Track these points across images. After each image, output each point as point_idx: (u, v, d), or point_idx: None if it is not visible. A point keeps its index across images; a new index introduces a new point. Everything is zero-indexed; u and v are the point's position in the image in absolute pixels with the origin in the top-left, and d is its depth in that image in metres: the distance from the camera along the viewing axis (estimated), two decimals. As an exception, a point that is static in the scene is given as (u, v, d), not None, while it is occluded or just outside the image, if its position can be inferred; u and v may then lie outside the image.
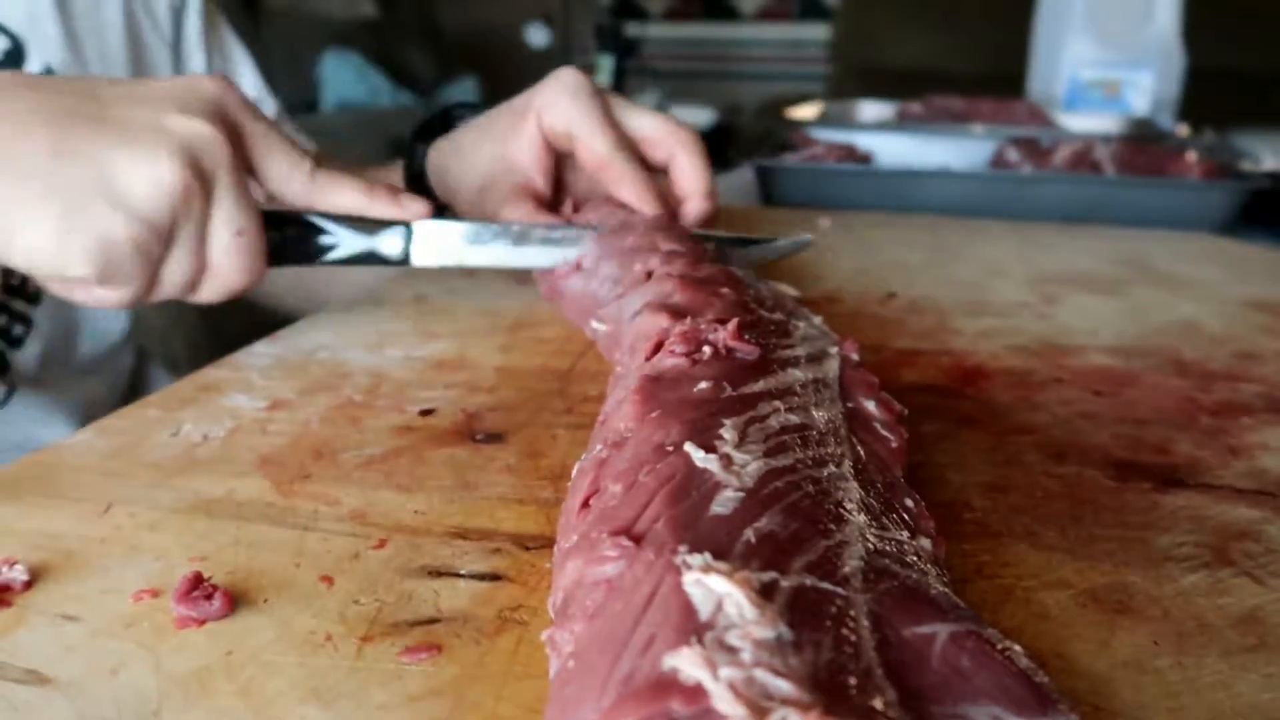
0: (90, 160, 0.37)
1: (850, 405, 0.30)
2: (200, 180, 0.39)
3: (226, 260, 0.41)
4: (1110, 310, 0.56)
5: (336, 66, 2.78)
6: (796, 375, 0.30)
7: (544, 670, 0.23)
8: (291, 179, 0.44)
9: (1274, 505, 0.31)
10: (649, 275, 0.42)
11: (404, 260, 0.48)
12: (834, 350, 0.34)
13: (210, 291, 0.42)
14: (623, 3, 3.86)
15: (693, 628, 0.17)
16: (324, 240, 0.46)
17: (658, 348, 0.31)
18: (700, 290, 0.38)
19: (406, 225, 0.47)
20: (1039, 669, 0.19)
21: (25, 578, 0.26)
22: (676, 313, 0.35)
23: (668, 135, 0.54)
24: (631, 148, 0.53)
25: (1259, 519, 0.31)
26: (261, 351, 0.47)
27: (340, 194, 0.45)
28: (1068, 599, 0.26)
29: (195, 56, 0.67)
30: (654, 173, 0.54)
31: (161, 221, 0.38)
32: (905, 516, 0.25)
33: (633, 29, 3.81)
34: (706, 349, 0.30)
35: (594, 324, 0.44)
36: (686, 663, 0.16)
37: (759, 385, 0.29)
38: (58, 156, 0.37)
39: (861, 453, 0.27)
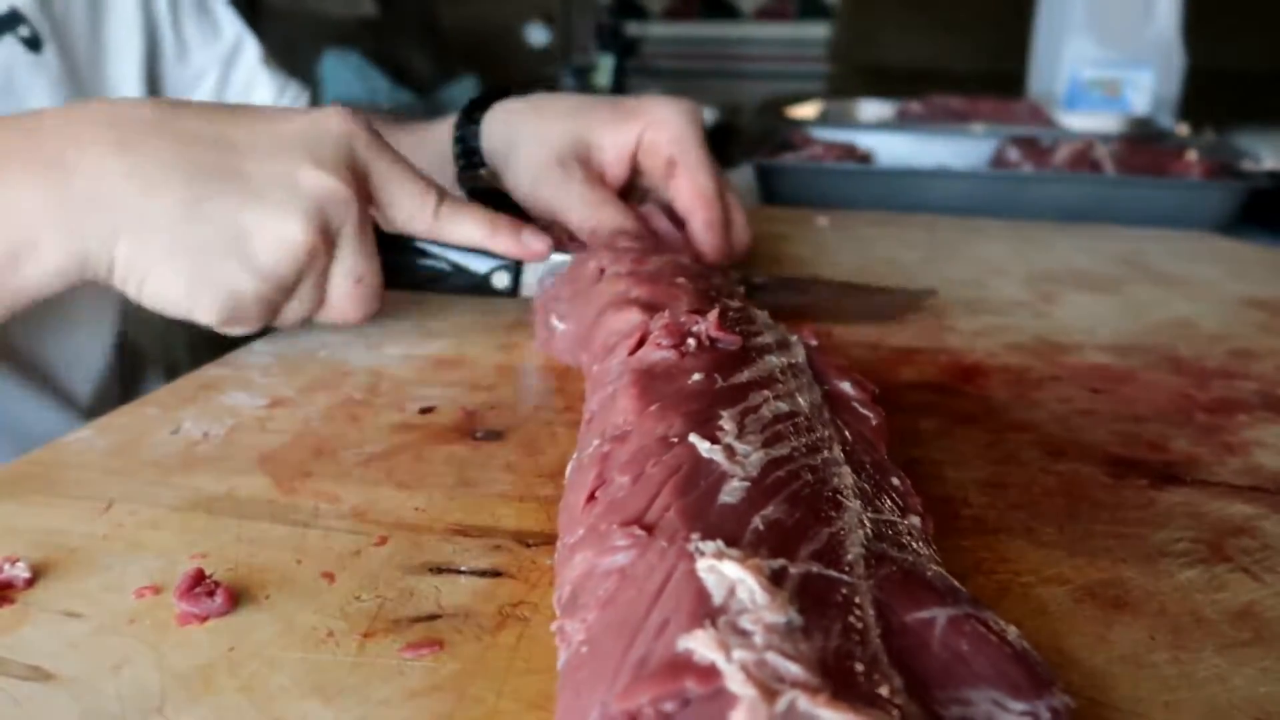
0: (223, 221, 0.38)
1: (827, 388, 0.31)
2: (326, 237, 0.40)
3: (344, 302, 0.43)
4: (1107, 308, 0.57)
5: (336, 65, 2.77)
6: (774, 362, 0.31)
7: (546, 665, 0.23)
8: (417, 217, 0.44)
9: (1269, 501, 0.32)
10: (601, 272, 0.43)
11: (512, 292, 0.48)
12: (794, 338, 0.34)
13: (327, 320, 0.44)
14: (623, 2, 3.85)
15: (706, 612, 0.18)
16: (435, 265, 0.47)
17: (641, 342, 0.32)
18: (657, 283, 0.38)
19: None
20: (1034, 651, 0.19)
21: (27, 575, 0.27)
22: (646, 306, 0.36)
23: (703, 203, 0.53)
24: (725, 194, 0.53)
25: (1255, 515, 0.31)
26: (261, 350, 0.47)
27: (463, 228, 0.45)
28: (1065, 594, 0.26)
29: None
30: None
31: (287, 279, 0.40)
32: (894, 496, 0.25)
33: (633, 28, 3.80)
34: (691, 341, 0.30)
35: (553, 321, 0.44)
36: (701, 644, 0.17)
37: (745, 375, 0.29)
38: (191, 217, 0.37)
39: (847, 435, 0.28)
